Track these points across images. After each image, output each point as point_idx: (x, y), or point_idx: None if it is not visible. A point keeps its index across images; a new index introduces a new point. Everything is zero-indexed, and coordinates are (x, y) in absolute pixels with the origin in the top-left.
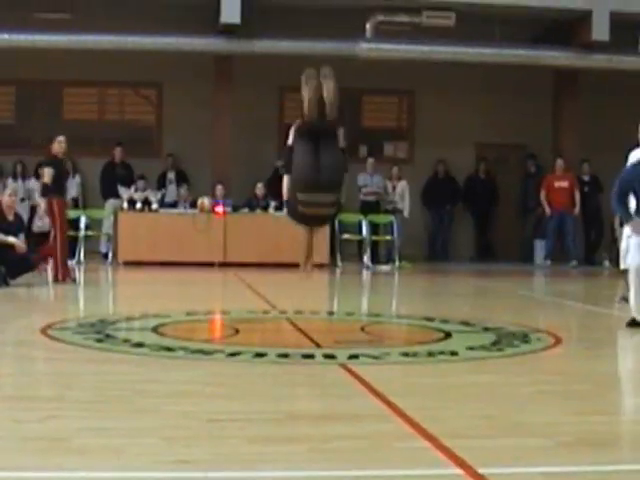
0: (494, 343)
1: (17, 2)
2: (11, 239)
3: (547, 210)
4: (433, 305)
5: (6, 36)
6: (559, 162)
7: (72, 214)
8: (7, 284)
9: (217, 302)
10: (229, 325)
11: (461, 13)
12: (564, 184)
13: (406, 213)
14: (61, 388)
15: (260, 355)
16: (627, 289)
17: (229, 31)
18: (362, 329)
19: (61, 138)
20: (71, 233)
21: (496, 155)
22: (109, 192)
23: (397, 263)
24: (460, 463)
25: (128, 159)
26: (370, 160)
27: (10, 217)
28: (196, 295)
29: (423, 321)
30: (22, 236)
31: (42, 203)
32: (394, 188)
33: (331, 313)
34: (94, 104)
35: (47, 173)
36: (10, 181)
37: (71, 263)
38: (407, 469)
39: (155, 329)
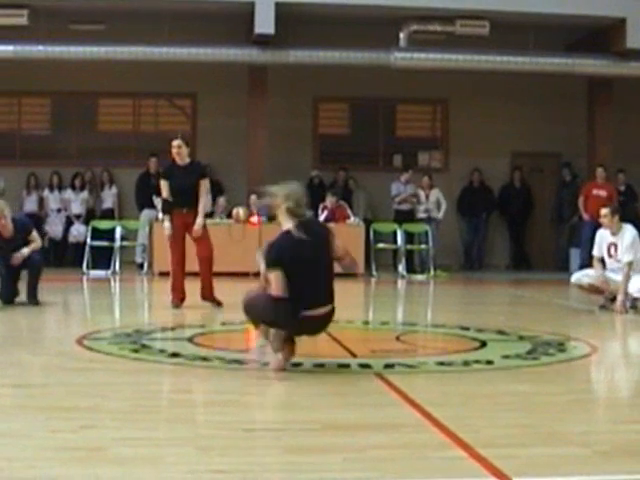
0: (530, 352)
1: (52, 14)
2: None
3: (584, 216)
4: (468, 314)
5: (41, 48)
6: (599, 171)
7: (108, 224)
8: (37, 304)
9: None
10: None
11: (495, 22)
12: (602, 193)
13: (440, 215)
14: (97, 398)
15: (296, 365)
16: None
17: (263, 41)
18: (397, 338)
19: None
20: (107, 244)
21: (531, 164)
22: (144, 202)
23: (432, 272)
24: (496, 472)
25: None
26: (408, 172)
27: (7, 234)
28: (231, 305)
29: (458, 330)
30: (25, 250)
31: None
32: (427, 197)
33: (366, 322)
34: (129, 115)
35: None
36: (47, 192)
37: None
38: (443, 478)
39: (191, 339)
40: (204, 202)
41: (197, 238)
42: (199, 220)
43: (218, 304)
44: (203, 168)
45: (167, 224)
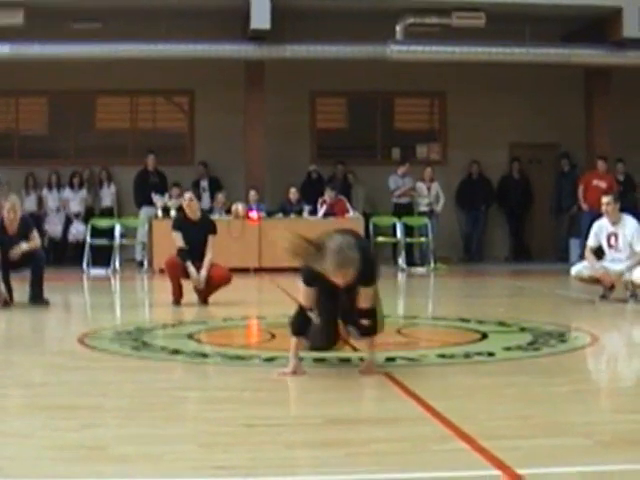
0: (531, 343)
1: (48, 13)
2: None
3: (583, 206)
4: (469, 306)
5: (37, 47)
6: (600, 163)
7: (107, 223)
8: (47, 303)
9: (253, 308)
10: (265, 330)
11: (491, 13)
12: (602, 184)
13: (439, 208)
14: (98, 396)
15: None
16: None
17: (259, 37)
18: (398, 331)
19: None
20: (106, 242)
21: (529, 155)
22: (143, 200)
23: (432, 265)
24: (498, 464)
25: (161, 167)
26: (404, 165)
27: (12, 231)
28: (232, 301)
29: (459, 322)
30: (24, 245)
31: None
32: (429, 189)
33: None
34: (126, 113)
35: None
36: (45, 191)
37: None
38: (445, 471)
39: (191, 336)
40: (210, 257)
41: (216, 269)
42: (203, 272)
43: (205, 302)
44: (213, 224)
45: (192, 269)
